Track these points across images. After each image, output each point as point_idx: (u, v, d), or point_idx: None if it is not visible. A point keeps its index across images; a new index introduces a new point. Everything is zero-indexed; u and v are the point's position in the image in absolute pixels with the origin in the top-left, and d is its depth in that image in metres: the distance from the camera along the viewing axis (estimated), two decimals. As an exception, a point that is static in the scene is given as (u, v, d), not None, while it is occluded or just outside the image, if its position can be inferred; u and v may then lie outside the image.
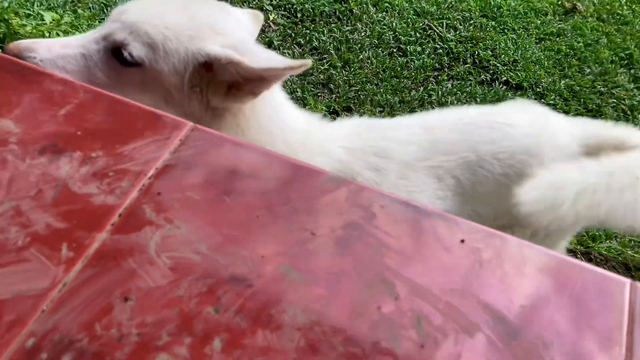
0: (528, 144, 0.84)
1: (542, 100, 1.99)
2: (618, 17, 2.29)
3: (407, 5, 2.26)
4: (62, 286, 0.38)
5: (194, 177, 0.44)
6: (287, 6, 2.23)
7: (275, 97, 0.76)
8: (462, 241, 0.42)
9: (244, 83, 0.66)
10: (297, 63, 0.62)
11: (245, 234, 0.41)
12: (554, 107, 1.97)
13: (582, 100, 2.03)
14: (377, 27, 2.17)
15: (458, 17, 2.24)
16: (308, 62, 0.63)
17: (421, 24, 2.21)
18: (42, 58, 0.62)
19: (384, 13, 2.24)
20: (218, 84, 0.67)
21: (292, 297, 0.38)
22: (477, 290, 0.40)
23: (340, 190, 0.44)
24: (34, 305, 0.37)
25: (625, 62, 2.15)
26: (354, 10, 2.24)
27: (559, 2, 2.32)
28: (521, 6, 2.28)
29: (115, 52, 0.65)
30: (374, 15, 2.22)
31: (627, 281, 0.41)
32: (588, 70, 2.11)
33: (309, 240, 0.41)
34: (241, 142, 0.47)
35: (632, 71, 2.12)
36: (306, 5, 2.23)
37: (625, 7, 2.32)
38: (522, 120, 0.87)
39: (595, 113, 1.99)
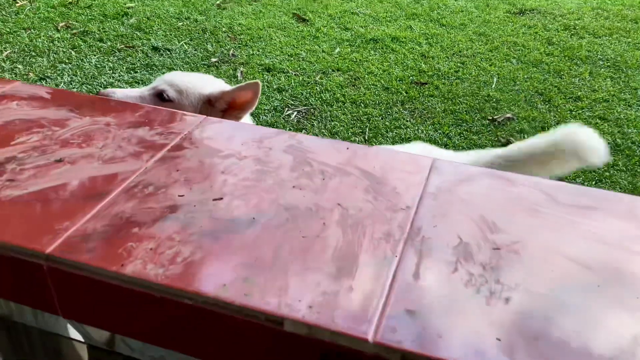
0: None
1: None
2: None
3: (369, 148, 2.86)
4: (144, 168, 0.81)
5: (208, 133, 0.90)
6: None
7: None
8: (347, 148, 0.86)
9: (229, 110, 1.19)
10: (246, 83, 1.20)
11: (235, 150, 0.85)
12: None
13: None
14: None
15: (412, 153, 2.83)
16: (257, 82, 1.18)
17: (382, 161, 2.78)
18: (118, 96, 1.16)
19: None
20: (215, 112, 1.20)
21: (261, 168, 0.82)
22: (353, 163, 0.83)
23: (285, 134, 0.90)
24: (133, 173, 0.80)
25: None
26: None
27: (496, 139, 2.94)
28: (464, 143, 2.89)
29: (159, 95, 1.21)
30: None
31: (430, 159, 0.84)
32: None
33: (269, 151, 0.85)
34: (226, 121, 0.93)
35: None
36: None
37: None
38: (416, 148, 1.37)
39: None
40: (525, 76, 3.52)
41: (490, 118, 3.12)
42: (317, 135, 2.92)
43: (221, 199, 0.75)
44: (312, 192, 0.77)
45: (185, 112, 0.96)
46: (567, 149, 1.48)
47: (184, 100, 1.31)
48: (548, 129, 3.02)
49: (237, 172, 0.81)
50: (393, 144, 2.88)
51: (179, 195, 0.76)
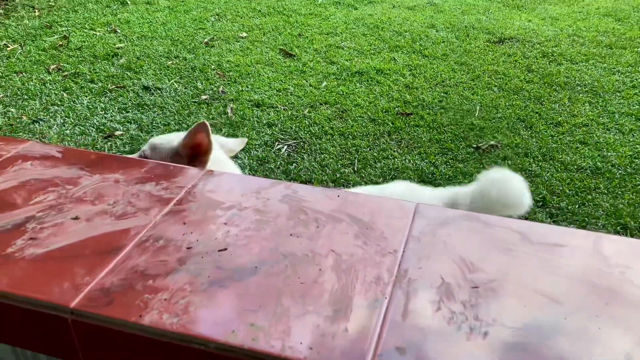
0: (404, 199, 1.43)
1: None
2: (529, 171, 3.00)
3: (358, 179, 2.95)
4: (154, 222, 0.89)
5: (209, 186, 0.98)
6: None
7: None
8: (338, 196, 0.95)
9: (193, 157, 1.31)
10: (194, 126, 1.32)
11: (236, 201, 0.94)
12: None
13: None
14: (336, 197, 2.82)
15: (401, 183, 2.93)
16: (204, 122, 1.31)
17: (372, 192, 2.87)
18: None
19: (341, 186, 2.92)
20: (184, 161, 1.31)
21: (260, 218, 0.90)
22: (343, 210, 0.92)
23: (280, 185, 0.98)
24: (144, 227, 0.88)
25: (541, 203, 2.80)
26: (316, 187, 2.91)
27: (481, 166, 3.05)
28: (450, 171, 3.00)
29: (142, 156, 1.32)
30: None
31: (413, 204, 0.93)
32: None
33: (267, 201, 0.94)
34: (224, 172, 1.02)
35: (547, 209, 2.75)
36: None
37: (534, 164, 3.06)
38: (397, 188, 1.47)
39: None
40: (507, 103, 3.66)
41: (475, 146, 3.23)
42: (307, 167, 3.01)
43: (225, 249, 0.84)
44: (308, 240, 0.86)
45: (187, 167, 1.05)
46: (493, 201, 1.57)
47: (156, 156, 1.44)
48: (531, 155, 3.15)
49: (238, 223, 0.89)
50: (381, 174, 2.98)
51: (187, 248, 0.84)
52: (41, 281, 0.78)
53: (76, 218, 0.90)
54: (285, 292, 0.76)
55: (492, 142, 3.25)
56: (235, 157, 3.10)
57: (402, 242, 0.85)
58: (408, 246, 0.85)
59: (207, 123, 1.37)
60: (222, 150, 1.54)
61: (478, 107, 3.62)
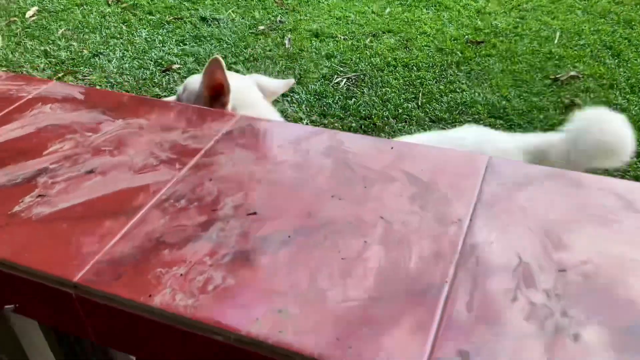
0: (475, 149, 1.22)
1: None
2: (614, 105, 2.67)
3: (422, 115, 2.73)
4: (177, 178, 0.76)
5: (243, 135, 0.83)
6: (320, 125, 2.74)
7: None
8: (392, 148, 0.78)
9: (214, 97, 1.15)
10: (207, 63, 1.18)
11: (271, 153, 0.79)
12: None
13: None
14: (397, 134, 2.63)
15: (469, 119, 2.69)
16: (216, 57, 1.13)
17: (436, 128, 2.66)
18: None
19: (403, 123, 2.71)
20: (208, 104, 1.16)
21: (298, 174, 0.75)
22: (398, 166, 0.75)
23: (324, 134, 0.82)
24: (165, 184, 0.75)
25: (626, 141, 2.49)
26: (377, 123, 2.73)
27: (559, 100, 2.74)
28: (524, 105, 2.71)
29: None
30: (395, 126, 2.70)
31: (486, 157, 0.75)
32: (592, 151, 2.45)
33: (307, 154, 0.78)
34: (262, 119, 0.87)
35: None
36: (335, 124, 2.74)
37: (620, 97, 2.72)
38: (469, 135, 1.26)
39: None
40: (592, 29, 3.25)
41: (553, 77, 2.90)
42: (367, 102, 2.82)
43: (255, 213, 0.70)
44: (353, 203, 0.70)
45: (220, 111, 0.90)
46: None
47: (184, 98, 1.27)
48: (617, 87, 2.80)
49: (272, 181, 0.75)
50: (448, 109, 2.74)
51: (212, 210, 0.71)
52: (45, 248, 0.67)
53: (91, 171, 0.78)
54: (322, 270, 0.62)
55: (572, 73, 2.91)
56: (291, 92, 2.93)
57: (470, 208, 0.68)
58: (477, 213, 0.67)
59: (220, 58, 1.19)
60: (263, 92, 1.34)
61: (558, 34, 3.24)
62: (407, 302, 0.57)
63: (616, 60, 2.99)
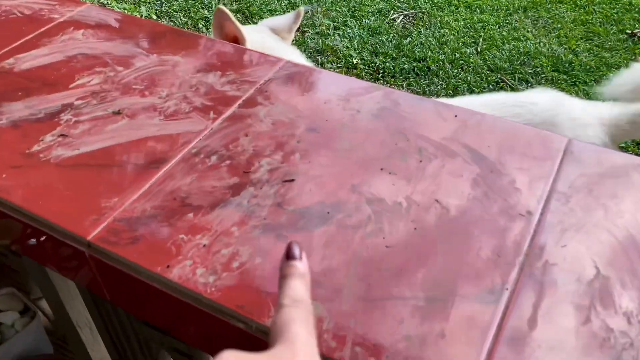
0: (547, 117, 1.08)
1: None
2: (694, 70, 2.42)
3: (481, 62, 2.55)
4: (210, 129, 0.67)
5: (286, 84, 0.74)
6: (371, 64, 2.59)
7: None
8: (456, 116, 0.67)
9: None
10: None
11: (315, 110, 0.69)
12: (624, 150, 2.11)
13: (656, 145, 2.16)
14: (452, 81, 2.47)
15: (530, 71, 2.49)
16: (219, 7, 1.01)
17: (494, 78, 2.48)
18: None
19: (459, 69, 2.54)
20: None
21: (345, 138, 0.65)
22: (460, 139, 0.64)
23: (378, 91, 0.72)
24: (196, 135, 0.67)
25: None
26: (431, 67, 2.56)
27: (633, 58, 2.50)
28: (593, 61, 2.49)
29: None
30: (450, 71, 2.53)
31: (565, 138, 0.64)
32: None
33: (356, 115, 0.68)
34: (309, 67, 0.76)
35: None
36: (387, 64, 2.58)
37: (702, 62, 2.45)
38: (542, 99, 1.12)
39: (670, 156, 2.11)
40: (681, -20, 2.92)
41: (630, 32, 2.64)
42: (423, 43, 2.63)
43: (292, 180, 0.61)
44: (405, 180, 0.60)
45: (264, 54, 0.80)
46: None
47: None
48: (701, 49, 2.53)
49: (314, 143, 0.65)
50: (509, 58, 2.54)
51: (245, 172, 0.62)
52: (61, 198, 0.60)
53: (118, 112, 0.70)
54: (362, 258, 0.53)
55: (652, 29, 2.64)
56: (344, 26, 2.77)
57: (542, 199, 0.58)
58: (549, 207, 0.57)
59: (224, 8, 1.06)
60: (279, 35, 1.21)
61: (643, -17, 2.92)
62: (458, 308, 0.49)
63: None
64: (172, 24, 2.86)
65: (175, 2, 3.02)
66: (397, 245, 0.54)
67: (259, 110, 0.70)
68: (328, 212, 0.58)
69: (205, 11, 2.93)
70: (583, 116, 1.13)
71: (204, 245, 0.55)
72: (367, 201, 0.58)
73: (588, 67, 2.49)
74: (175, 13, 2.95)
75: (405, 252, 0.54)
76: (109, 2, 3.05)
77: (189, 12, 2.95)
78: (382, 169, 0.62)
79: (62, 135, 0.68)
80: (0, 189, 0.61)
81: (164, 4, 3.02)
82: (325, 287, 0.51)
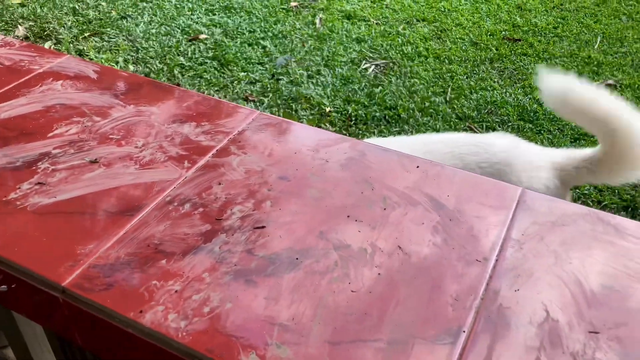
0: (503, 157, 1.16)
1: (577, 190, 2.24)
2: (651, 120, 2.56)
3: (449, 111, 2.64)
4: (184, 178, 0.71)
5: (259, 135, 0.78)
6: (343, 112, 2.67)
7: None
8: (417, 167, 0.72)
9: None
10: None
11: (286, 160, 0.73)
12: (588, 197, 2.20)
13: (616, 191, 2.25)
14: (422, 129, 2.55)
15: (497, 120, 2.60)
16: None
17: (463, 126, 2.57)
18: None
19: (429, 117, 2.63)
20: None
21: (313, 186, 0.69)
22: (422, 188, 0.69)
23: (346, 143, 0.76)
24: (171, 183, 0.70)
25: (659, 159, 2.38)
26: (401, 115, 2.65)
27: (593, 109, 2.63)
28: (556, 111, 2.61)
29: None
30: (420, 119, 2.62)
31: (519, 188, 0.69)
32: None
33: (325, 164, 0.73)
34: (281, 119, 0.81)
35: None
36: (359, 112, 2.67)
37: (658, 113, 2.60)
38: (499, 142, 1.20)
39: (629, 203, 2.20)
40: (636, 36, 3.10)
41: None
42: (394, 92, 2.73)
43: (263, 227, 0.64)
44: (370, 227, 0.64)
45: (238, 105, 0.84)
46: None
47: None
48: (656, 100, 2.67)
49: (285, 191, 0.69)
50: (476, 107, 2.65)
51: (217, 219, 0.65)
52: (37, 244, 0.63)
53: (95, 161, 0.73)
54: (329, 303, 0.56)
55: (610, 81, 2.79)
56: (317, 74, 2.86)
57: (497, 246, 0.62)
58: (504, 254, 0.61)
59: None
60: None
61: (599, 38, 3.10)
62: (418, 350, 0.52)
63: (658, 73, 2.86)
64: (147, 70, 2.92)
65: (151, 49, 3.08)
66: (361, 290, 0.57)
67: (232, 160, 0.74)
68: (297, 258, 0.61)
69: (181, 58, 3.00)
70: (537, 160, 1.21)
71: (176, 291, 0.57)
72: (334, 247, 0.62)
73: (552, 116, 2.60)
74: (151, 59, 3.01)
75: (369, 297, 0.57)
76: (88, 53, 3.10)
77: (165, 59, 3.01)
78: (348, 216, 0.66)
79: (39, 183, 0.70)
80: (-24, 235, 0.63)
81: (139, 51, 3.08)
82: (292, 331, 0.54)
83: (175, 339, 0.53)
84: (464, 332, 0.54)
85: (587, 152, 1.29)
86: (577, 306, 0.56)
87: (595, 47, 3.07)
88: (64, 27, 3.28)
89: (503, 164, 1.19)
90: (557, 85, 1.24)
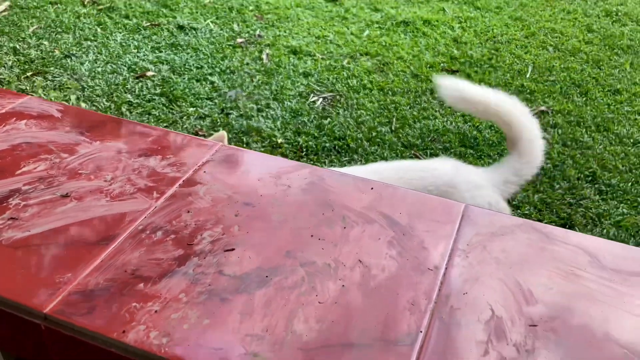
0: (448, 180, 1.27)
1: (518, 210, 2.39)
2: (580, 143, 2.76)
3: (395, 139, 2.77)
4: (154, 208, 0.76)
5: (222, 165, 0.84)
6: (294, 143, 2.75)
7: None
8: (372, 188, 0.80)
9: None
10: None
11: (250, 187, 0.79)
12: (528, 217, 2.35)
13: (554, 210, 2.41)
14: (370, 157, 2.66)
15: (440, 147, 2.74)
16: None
17: (408, 154, 2.70)
18: None
19: (377, 146, 2.75)
20: None
21: (278, 210, 0.76)
22: (377, 208, 0.76)
23: (306, 169, 0.83)
24: (142, 213, 0.74)
25: (590, 178, 2.58)
26: (350, 145, 2.75)
27: (528, 134, 2.82)
28: (495, 137, 2.78)
29: None
30: (368, 149, 2.73)
31: (462, 204, 0.77)
32: (557, 186, 2.53)
33: (287, 190, 0.79)
34: (243, 149, 0.87)
35: (596, 185, 2.53)
36: (310, 143, 2.75)
37: (586, 135, 2.81)
38: (442, 166, 1.31)
39: (566, 221, 2.36)
40: (562, 66, 3.36)
41: (523, 111, 2.98)
42: (342, 123, 2.84)
43: (233, 249, 0.70)
44: (332, 244, 0.71)
45: (201, 139, 0.90)
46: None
47: None
48: (584, 124, 2.89)
49: (251, 216, 0.75)
50: (420, 135, 2.79)
51: (189, 244, 0.70)
52: (16, 275, 0.66)
53: (66, 195, 0.77)
54: (298, 314, 0.62)
55: (542, 108, 3.00)
56: (267, 108, 2.94)
57: (445, 256, 0.70)
58: (452, 262, 0.69)
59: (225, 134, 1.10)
60: None
61: (530, 68, 3.34)
62: (382, 351, 0.58)
63: (584, 99, 3.10)
64: (94, 108, 2.92)
65: (97, 87, 3.08)
66: (328, 301, 0.64)
67: (199, 189, 0.79)
68: (267, 276, 0.66)
69: (129, 95, 3.02)
70: (477, 179, 1.35)
71: (156, 311, 0.62)
72: (300, 264, 0.68)
73: (491, 142, 2.77)
74: (98, 97, 3.01)
75: (335, 307, 0.63)
76: (38, 92, 3.07)
77: (112, 97, 3.02)
78: (312, 236, 0.72)
79: (11, 218, 0.73)
80: (-47, 270, 0.66)
81: (85, 89, 3.08)
82: (267, 342, 0.59)
83: (159, 354, 0.57)
84: (422, 332, 0.61)
85: (507, 158, 1.46)
86: (517, 304, 0.64)
87: (527, 76, 3.30)
88: (4, 67, 3.24)
89: (448, 185, 1.30)
90: (453, 85, 1.50)
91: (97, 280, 0.65)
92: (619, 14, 3.94)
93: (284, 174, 0.82)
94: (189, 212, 0.75)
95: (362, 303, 0.64)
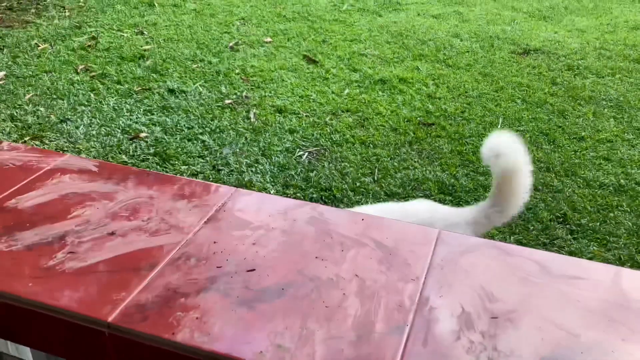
0: (426, 218, 1.46)
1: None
2: (551, 187, 3.00)
3: (378, 189, 2.98)
4: (186, 240, 0.93)
5: (239, 205, 1.02)
6: (283, 195, 2.94)
7: None
8: (362, 219, 0.99)
9: None
10: None
11: (263, 221, 0.98)
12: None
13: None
14: (355, 206, 2.86)
15: (420, 194, 2.95)
16: None
17: (390, 202, 2.90)
18: None
19: (361, 196, 2.95)
20: None
21: (288, 239, 0.94)
22: (368, 234, 0.95)
23: (307, 207, 1.02)
24: (176, 245, 0.92)
25: (561, 219, 2.80)
26: (336, 195, 2.95)
27: (502, 180, 3.06)
28: (471, 184, 3.01)
29: None
30: (353, 198, 2.93)
31: (436, 230, 0.97)
32: (532, 227, 2.74)
33: (294, 223, 0.98)
34: (255, 192, 1.06)
35: (568, 226, 2.75)
36: (298, 194, 2.95)
37: (556, 180, 3.05)
38: (420, 207, 1.50)
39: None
40: (530, 116, 3.66)
41: (496, 159, 3.23)
42: (327, 175, 3.05)
43: (254, 270, 0.88)
44: (333, 264, 0.89)
45: (218, 185, 1.09)
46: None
47: None
48: (553, 170, 3.14)
49: (266, 244, 0.93)
50: (401, 185, 3.00)
51: (217, 267, 0.88)
52: (80, 294, 0.82)
53: (112, 233, 0.95)
54: (310, 315, 0.80)
55: (513, 156, 3.26)
56: (256, 163, 3.14)
57: (424, 269, 0.89)
58: (430, 274, 0.88)
59: None
60: None
61: (501, 120, 3.62)
62: (378, 340, 0.76)
63: (552, 146, 3.37)
64: (91, 168, 3.10)
65: (92, 149, 3.28)
66: (332, 305, 0.81)
67: (221, 225, 0.98)
68: (283, 289, 0.84)
69: (123, 155, 3.21)
70: (452, 218, 1.57)
71: (197, 318, 0.79)
72: (309, 279, 0.86)
73: (468, 188, 3.00)
74: (94, 159, 3.19)
75: (339, 309, 0.81)
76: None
77: (107, 157, 3.21)
78: (316, 257, 0.90)
79: (70, 252, 0.90)
80: (29, 293, 0.82)
81: (81, 152, 3.26)
82: (287, 336, 0.76)
83: (203, 348, 0.74)
84: (407, 325, 0.78)
85: (487, 200, 1.67)
86: (482, 303, 0.82)
87: (498, 127, 3.58)
88: (2, 132, 3.42)
89: (426, 224, 1.50)
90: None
91: (147, 297, 0.82)
92: (580, 67, 4.30)
93: (289, 210, 1.01)
94: (215, 242, 0.93)
95: (360, 306, 0.81)
